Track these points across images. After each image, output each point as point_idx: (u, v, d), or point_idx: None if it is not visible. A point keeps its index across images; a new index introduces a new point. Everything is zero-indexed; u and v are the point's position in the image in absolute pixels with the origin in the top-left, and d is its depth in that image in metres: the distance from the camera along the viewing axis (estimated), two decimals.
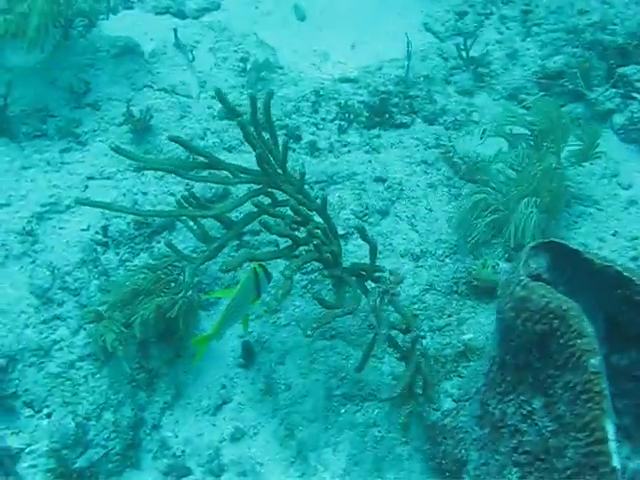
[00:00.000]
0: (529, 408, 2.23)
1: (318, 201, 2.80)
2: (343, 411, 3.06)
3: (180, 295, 2.78)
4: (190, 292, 2.85)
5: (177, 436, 2.99)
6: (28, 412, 2.89)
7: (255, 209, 2.65)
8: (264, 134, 2.80)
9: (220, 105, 3.93)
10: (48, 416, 2.88)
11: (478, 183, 3.66)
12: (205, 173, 3.01)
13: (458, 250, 3.42)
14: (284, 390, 3.09)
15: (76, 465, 2.80)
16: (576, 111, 4.22)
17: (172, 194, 3.48)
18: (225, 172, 2.81)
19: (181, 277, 2.96)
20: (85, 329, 2.98)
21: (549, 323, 2.04)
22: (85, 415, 2.84)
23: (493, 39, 4.62)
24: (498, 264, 3.29)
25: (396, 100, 4.09)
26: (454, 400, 2.98)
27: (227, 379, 3.13)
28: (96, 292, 3.06)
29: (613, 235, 3.62)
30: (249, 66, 4.18)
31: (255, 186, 2.86)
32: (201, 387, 3.10)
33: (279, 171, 2.80)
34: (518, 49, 4.52)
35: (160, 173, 3.55)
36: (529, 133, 3.69)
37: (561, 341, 2.02)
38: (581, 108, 4.26)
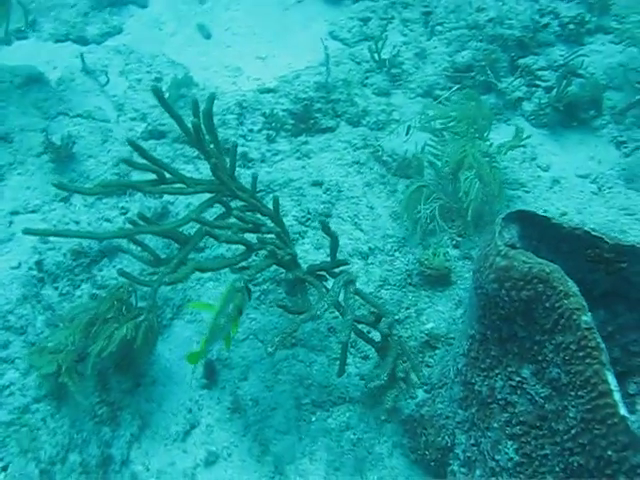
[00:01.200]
0: (518, 378, 2.24)
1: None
2: (314, 419, 3.00)
3: (142, 318, 2.64)
4: (151, 315, 2.71)
5: (149, 469, 2.82)
6: None
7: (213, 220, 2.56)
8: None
9: (143, 126, 3.85)
10: (4, 469, 2.65)
11: (412, 178, 3.72)
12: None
13: (407, 242, 3.44)
14: (252, 406, 2.98)
15: None
16: (489, 101, 4.37)
17: (107, 219, 3.33)
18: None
19: (133, 301, 2.83)
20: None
21: (534, 288, 2.06)
22: (49, 460, 2.64)
23: (399, 41, 4.73)
24: (448, 252, 3.34)
25: (319, 105, 4.09)
26: (426, 391, 2.97)
27: (192, 402, 2.99)
28: (44, 328, 2.87)
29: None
30: (167, 84, 4.07)
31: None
32: (167, 414, 2.95)
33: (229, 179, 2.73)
34: (425, 48, 4.65)
35: (90, 199, 3.40)
36: (453, 125, 3.78)
37: (547, 305, 2.05)
38: (493, 98, 4.43)
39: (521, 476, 2.25)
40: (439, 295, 3.25)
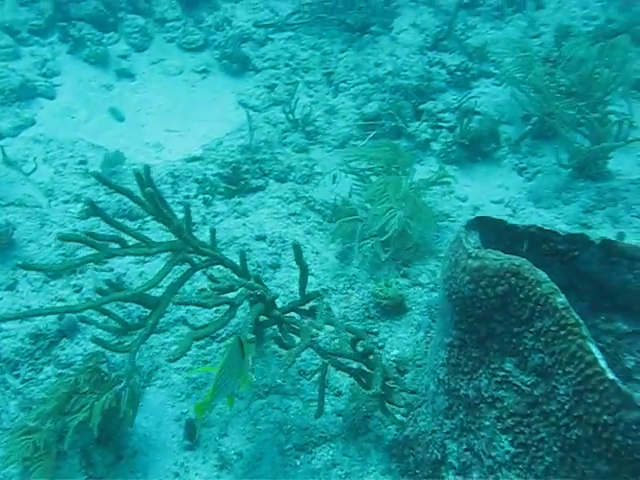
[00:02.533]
0: (502, 373, 2.37)
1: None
2: (299, 463, 3.01)
3: (122, 386, 2.60)
4: (132, 380, 2.67)
5: None
6: None
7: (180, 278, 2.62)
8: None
9: (79, 206, 3.85)
10: None
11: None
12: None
13: (358, 279, 3.58)
14: (237, 459, 2.97)
15: None
16: (402, 145, 4.67)
17: (61, 299, 3.28)
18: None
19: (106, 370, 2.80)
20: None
21: (507, 282, 2.23)
22: None
23: (308, 101, 4.99)
24: (398, 282, 3.50)
25: (247, 167, 4.24)
26: (402, 414, 3.06)
27: (177, 466, 2.95)
28: (18, 412, 2.77)
29: None
30: (96, 164, 4.11)
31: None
32: None
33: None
34: (334, 105, 4.93)
35: (38, 284, 3.35)
36: (374, 166, 4.00)
37: (522, 295, 2.22)
38: (405, 142, 4.74)
39: (520, 466, 2.36)
40: (397, 323, 3.39)
